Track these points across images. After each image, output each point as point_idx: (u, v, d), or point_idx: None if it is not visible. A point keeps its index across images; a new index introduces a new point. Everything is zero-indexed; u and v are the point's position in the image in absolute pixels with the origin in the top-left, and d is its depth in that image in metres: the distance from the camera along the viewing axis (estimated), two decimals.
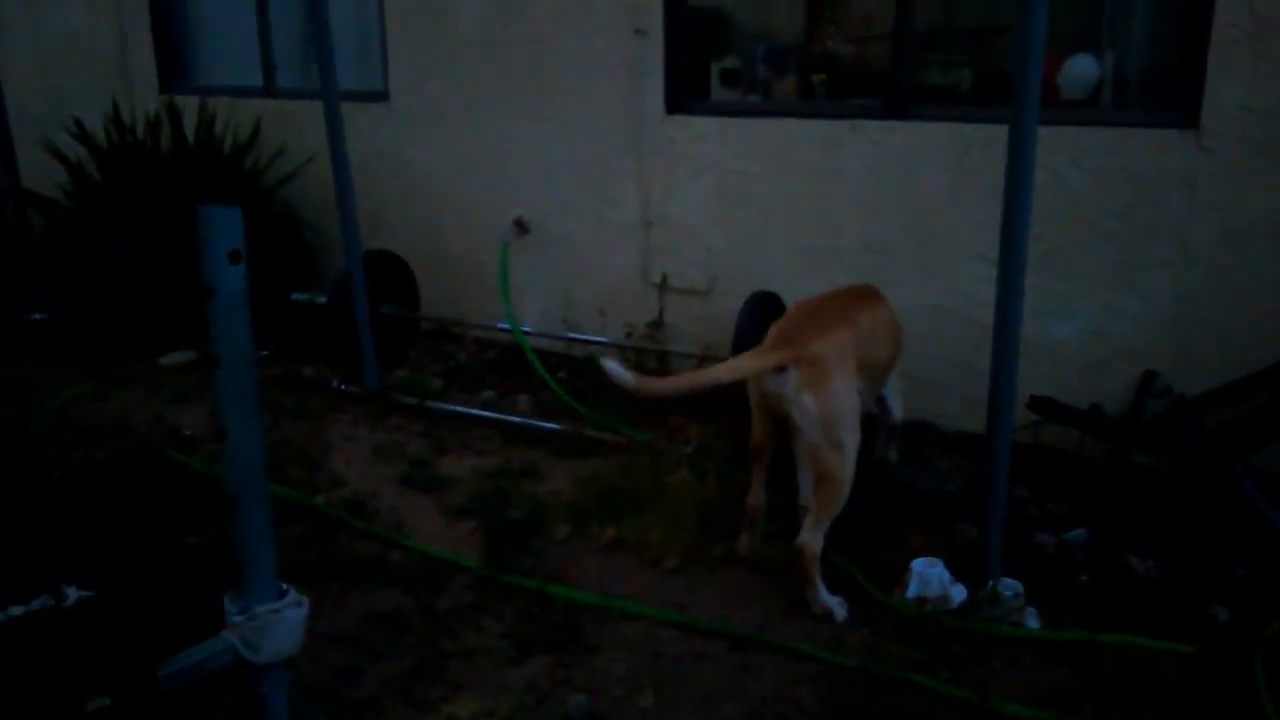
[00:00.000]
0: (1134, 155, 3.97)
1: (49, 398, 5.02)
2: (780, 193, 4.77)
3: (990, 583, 3.14)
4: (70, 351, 5.65)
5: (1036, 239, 3.13)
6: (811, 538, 3.17)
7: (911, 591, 3.19)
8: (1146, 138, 3.95)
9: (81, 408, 4.98)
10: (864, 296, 3.70)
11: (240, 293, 2.10)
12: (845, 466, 3.17)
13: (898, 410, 3.97)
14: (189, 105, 6.18)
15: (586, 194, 5.37)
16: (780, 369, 3.16)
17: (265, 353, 5.67)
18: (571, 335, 5.40)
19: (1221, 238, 3.87)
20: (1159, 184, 3.94)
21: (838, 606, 3.19)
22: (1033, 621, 3.10)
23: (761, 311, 4.42)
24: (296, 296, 5.89)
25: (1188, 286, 3.95)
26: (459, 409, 4.87)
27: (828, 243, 4.65)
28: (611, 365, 3.13)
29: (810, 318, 3.40)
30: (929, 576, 3.19)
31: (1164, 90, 4.13)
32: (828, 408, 3.14)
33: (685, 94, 5.06)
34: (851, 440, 3.19)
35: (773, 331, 3.38)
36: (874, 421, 3.89)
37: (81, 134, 5.97)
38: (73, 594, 2.50)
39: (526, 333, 5.35)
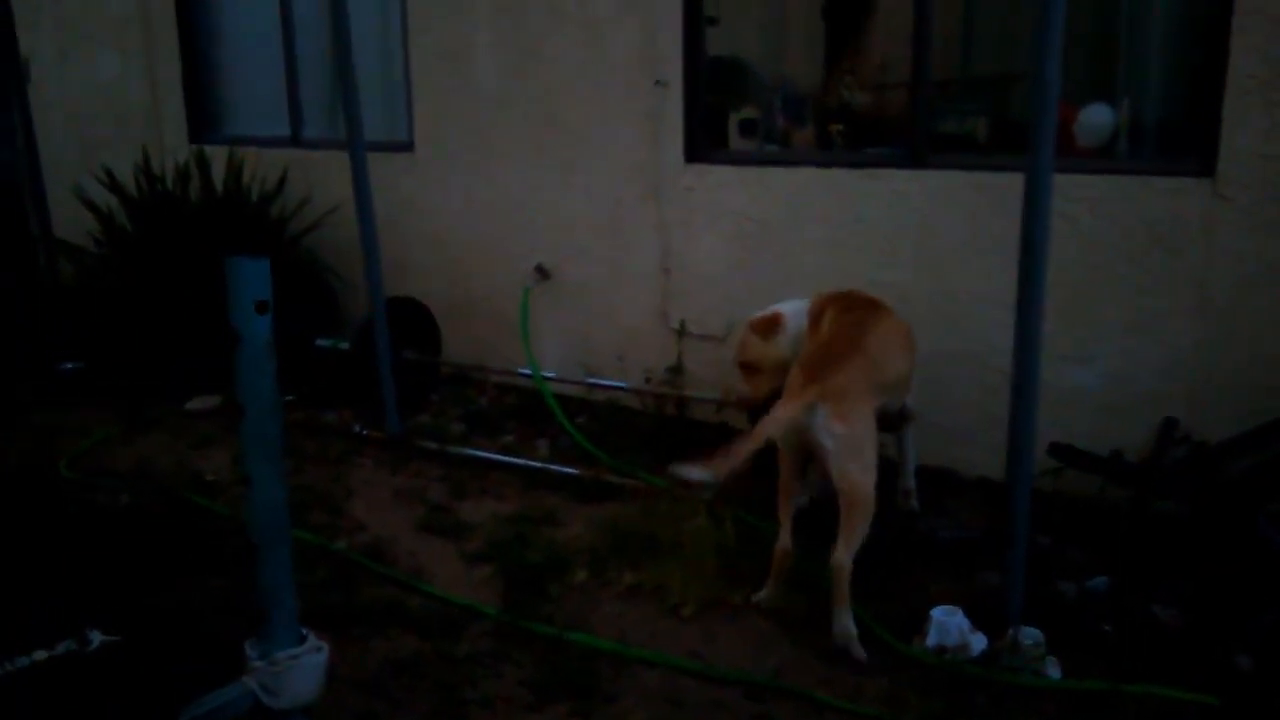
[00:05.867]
0: (1151, 203, 3.99)
1: (76, 442, 5.09)
2: (798, 240, 4.81)
3: (1011, 631, 3.12)
4: (97, 396, 5.73)
5: (1055, 286, 3.14)
6: (846, 556, 3.23)
7: (931, 640, 3.18)
8: (1163, 185, 3.97)
9: (108, 452, 5.04)
10: (867, 316, 3.82)
11: (267, 342, 2.15)
12: (871, 484, 3.33)
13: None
14: (218, 155, 6.31)
15: (606, 241, 5.43)
16: (811, 407, 3.32)
17: (290, 398, 5.73)
18: (591, 380, 5.43)
19: (1240, 285, 3.87)
20: (1176, 231, 3.95)
21: (857, 641, 3.20)
22: (1054, 671, 3.07)
23: None
24: (320, 343, 5.96)
25: (1206, 333, 3.95)
26: (479, 454, 4.90)
27: (845, 287, 4.67)
28: (684, 470, 3.25)
29: (826, 351, 3.62)
30: (949, 625, 3.17)
31: (1181, 138, 4.15)
32: (855, 432, 3.32)
33: (704, 143, 5.12)
34: (874, 458, 3.38)
35: (795, 373, 3.51)
36: (891, 469, 3.89)
37: (112, 183, 6.10)
38: (96, 638, 2.54)
39: (547, 378, 5.39)
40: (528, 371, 5.45)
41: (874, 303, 3.95)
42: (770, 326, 3.96)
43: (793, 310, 4.09)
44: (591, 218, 5.46)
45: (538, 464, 4.78)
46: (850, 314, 3.83)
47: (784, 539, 3.50)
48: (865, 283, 4.60)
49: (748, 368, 3.99)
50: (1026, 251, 2.98)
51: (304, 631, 2.28)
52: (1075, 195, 4.02)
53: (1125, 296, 4.08)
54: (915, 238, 4.49)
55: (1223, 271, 3.89)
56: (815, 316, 3.97)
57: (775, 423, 3.34)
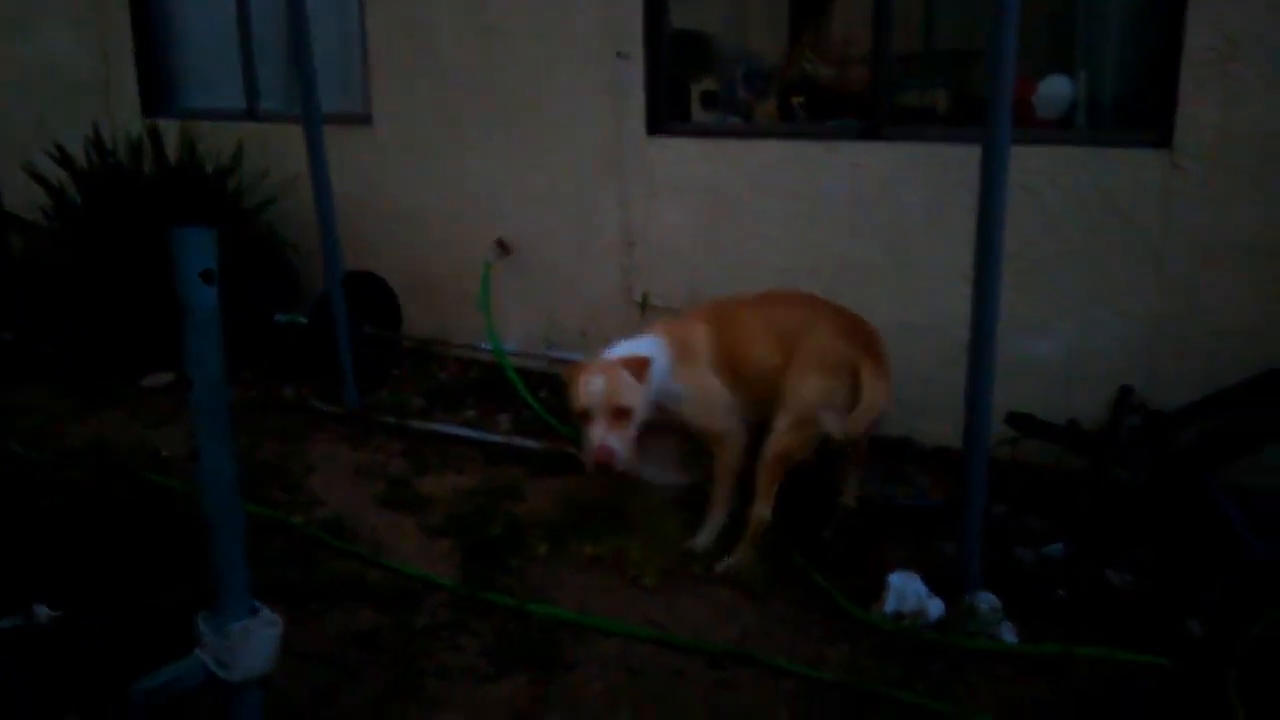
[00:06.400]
0: (1108, 174, 4.01)
1: (27, 419, 5.00)
2: (760, 213, 4.80)
3: (967, 597, 3.15)
4: (50, 373, 5.64)
5: (1012, 257, 3.16)
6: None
7: (889, 607, 3.20)
8: (1120, 157, 4.00)
9: (61, 429, 4.96)
10: (822, 303, 3.89)
11: (213, 313, 2.11)
12: None
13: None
14: (171, 129, 6.19)
15: (568, 214, 5.40)
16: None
17: (247, 373, 5.67)
18: (553, 354, 5.41)
19: (1196, 256, 3.91)
20: (1133, 203, 3.98)
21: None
22: (1010, 635, 3.11)
23: None
24: (279, 318, 5.89)
25: (1163, 304, 3.99)
26: (440, 428, 4.87)
27: (808, 262, 4.68)
28: (829, 419, 3.45)
29: (859, 332, 3.72)
30: (906, 591, 3.19)
31: (1138, 110, 4.18)
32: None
33: (666, 116, 5.09)
34: None
35: (858, 355, 3.58)
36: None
37: (63, 157, 5.97)
38: (44, 613, 2.50)
39: (508, 352, 5.37)
40: (489, 346, 5.42)
41: (798, 294, 4.02)
42: (643, 368, 3.47)
43: (647, 352, 3.61)
44: (553, 191, 5.42)
45: (499, 438, 4.76)
46: (801, 308, 3.83)
47: (764, 510, 3.56)
48: (827, 254, 4.63)
49: (619, 412, 3.39)
50: (984, 222, 2.99)
51: (257, 605, 2.26)
52: (1033, 167, 4.04)
53: (1083, 267, 4.11)
54: (876, 210, 4.50)
55: (1179, 242, 3.93)
56: (717, 328, 3.74)
57: (885, 391, 3.55)
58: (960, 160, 4.17)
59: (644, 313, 5.20)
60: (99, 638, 2.59)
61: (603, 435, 3.35)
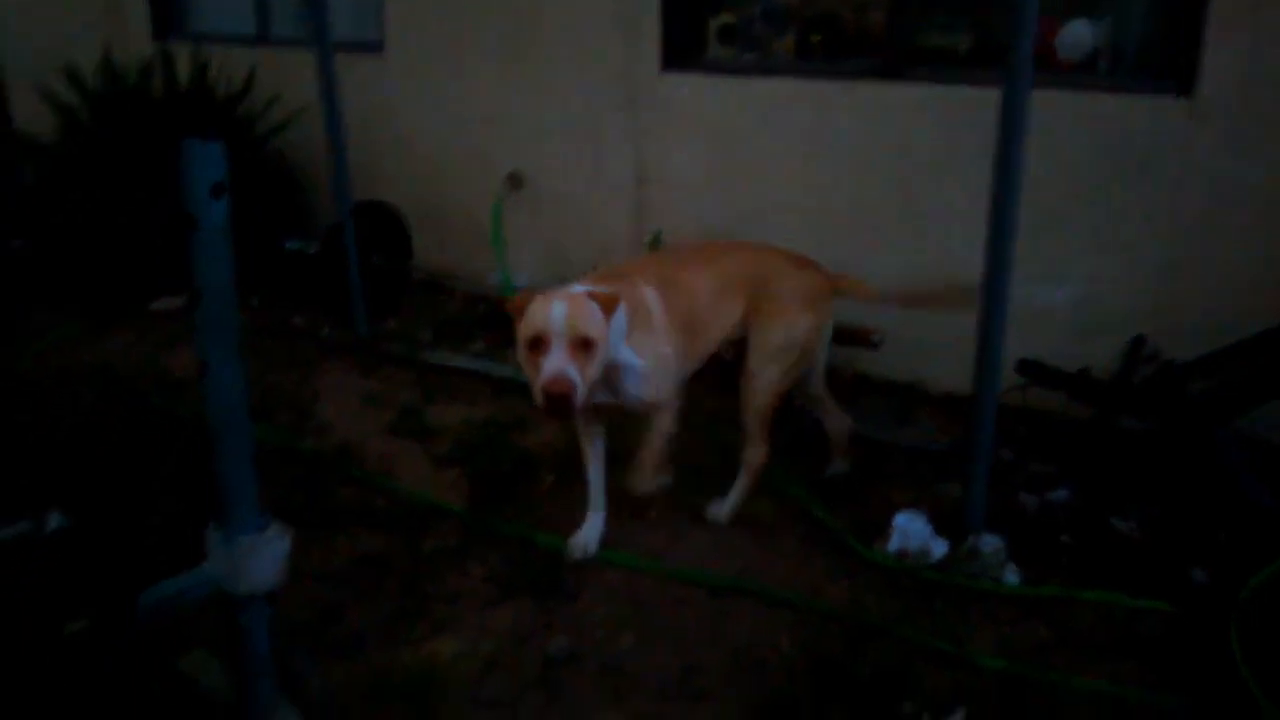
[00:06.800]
0: (1129, 121, 3.96)
1: (37, 341, 5.02)
2: (774, 152, 4.75)
3: (971, 538, 3.17)
4: (60, 296, 5.64)
5: (1027, 203, 3.11)
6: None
7: (893, 545, 3.22)
8: (1142, 104, 3.94)
9: (70, 351, 4.97)
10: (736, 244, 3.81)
11: (222, 227, 2.09)
12: None
13: None
14: (182, 52, 6.12)
15: (581, 150, 5.35)
16: None
17: (254, 301, 5.67)
18: None
19: (1214, 206, 3.87)
20: (1152, 151, 3.93)
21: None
22: (1012, 577, 3.12)
23: None
24: (289, 245, 5.87)
25: (1178, 253, 3.96)
26: (448, 360, 4.87)
27: (820, 203, 4.64)
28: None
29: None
30: (911, 530, 3.21)
31: (1161, 57, 4.10)
32: None
33: (681, 51, 5.02)
34: None
35: (813, 276, 3.51)
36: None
37: (73, 79, 5.92)
38: (55, 520, 2.51)
39: (518, 287, 5.35)
40: (499, 280, 5.40)
41: (729, 243, 3.86)
42: (612, 306, 2.91)
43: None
44: (566, 125, 5.37)
45: (508, 371, 4.76)
46: (749, 253, 3.57)
47: (759, 454, 3.48)
48: (839, 195, 4.58)
49: (583, 343, 2.79)
50: (1000, 168, 2.95)
51: (266, 519, 2.27)
52: (1052, 111, 3.96)
53: (1098, 215, 4.07)
54: (891, 151, 4.45)
55: (1196, 192, 3.88)
56: (662, 293, 3.22)
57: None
58: (979, 103, 4.08)
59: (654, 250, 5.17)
60: (108, 547, 2.61)
61: (561, 361, 2.74)
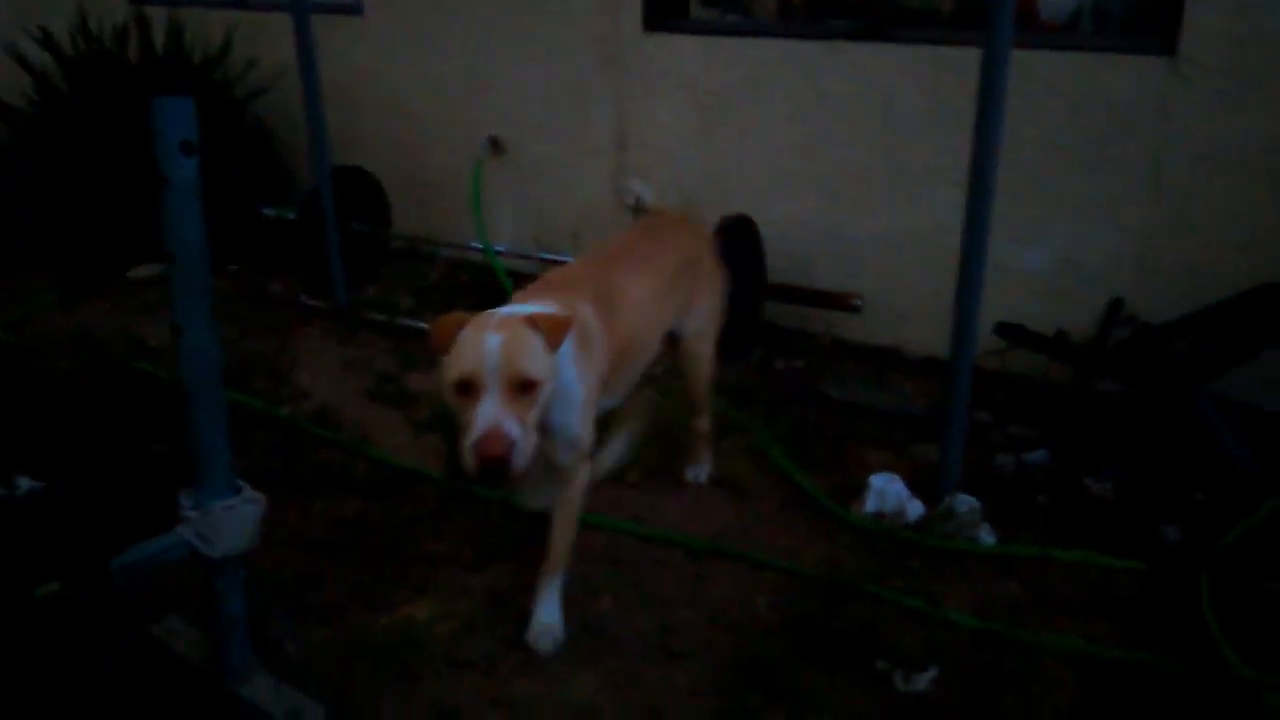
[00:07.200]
0: (1110, 81, 3.94)
1: (12, 308, 4.97)
2: (758, 115, 4.72)
3: (947, 499, 3.18)
4: (36, 263, 5.59)
5: (1008, 165, 3.10)
6: None
7: (869, 507, 3.23)
8: (1124, 64, 3.92)
9: (47, 319, 4.93)
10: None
11: (193, 185, 2.07)
12: None
13: None
14: (158, 15, 6.04)
15: (561, 113, 5.31)
16: None
17: (234, 267, 5.63)
18: (544, 256, 5.36)
19: (1194, 167, 3.86)
20: (1135, 112, 3.92)
21: None
22: (988, 537, 3.14)
23: (733, 236, 4.41)
24: (267, 211, 5.82)
25: (1158, 216, 3.95)
26: (428, 327, 4.85)
27: (804, 166, 4.62)
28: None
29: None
30: (887, 491, 3.22)
31: (1144, 16, 4.09)
32: None
33: (664, 11, 4.97)
34: None
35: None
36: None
37: (47, 41, 5.83)
38: (25, 484, 2.50)
39: (498, 253, 5.32)
40: (480, 246, 5.37)
41: (650, 223, 3.48)
42: (560, 332, 2.36)
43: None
44: (548, 87, 5.32)
45: None
46: (669, 232, 3.32)
47: (708, 421, 3.46)
48: (823, 158, 4.57)
49: (523, 386, 2.24)
50: (981, 129, 2.94)
51: (239, 483, 2.26)
52: (1034, 72, 3.96)
53: (1079, 177, 4.06)
54: (875, 113, 4.43)
55: (1178, 153, 3.88)
56: (600, 308, 2.70)
57: None
58: (962, 64, 4.07)
59: (636, 216, 5.13)
60: (81, 511, 2.60)
61: (497, 414, 2.18)
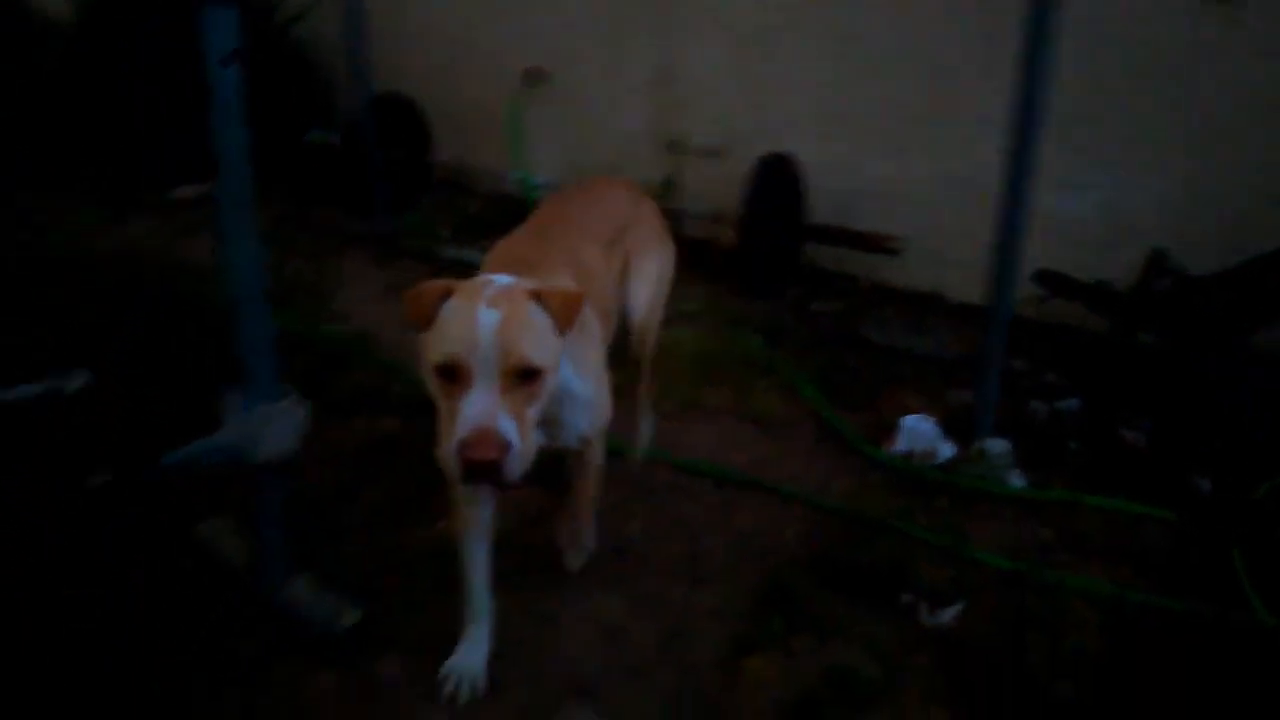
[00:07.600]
0: (1162, 24, 3.85)
1: (59, 228, 5.04)
2: (799, 53, 4.67)
3: (978, 441, 3.19)
4: (81, 183, 5.65)
5: (1052, 109, 3.06)
6: None
7: (900, 446, 3.25)
8: (1177, 7, 3.83)
9: (91, 238, 5.00)
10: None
11: (238, 93, 2.10)
12: None
13: None
14: None
15: (602, 46, 5.27)
16: None
17: (275, 194, 5.66)
18: None
19: (1245, 115, 3.78)
20: (1186, 58, 3.83)
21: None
22: (1018, 481, 3.15)
23: (772, 174, 4.39)
24: (310, 137, 5.84)
25: (1206, 164, 3.89)
26: (467, 256, 4.88)
27: (846, 106, 4.57)
28: None
29: None
30: (919, 431, 3.23)
31: None
32: None
33: None
34: None
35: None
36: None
37: None
38: (80, 378, 2.55)
39: (537, 185, 5.32)
40: (519, 178, 5.37)
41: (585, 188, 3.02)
42: (573, 309, 1.99)
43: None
44: (589, 19, 5.28)
45: None
46: (606, 192, 2.94)
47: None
48: (862, 97, 4.51)
49: (524, 375, 1.85)
50: (1028, 69, 2.90)
51: (286, 388, 2.31)
52: (1083, 14, 3.85)
53: (1126, 123, 3.99)
54: (917, 52, 4.36)
55: (1229, 101, 3.80)
56: (579, 279, 2.39)
57: None
58: (1008, 3, 4.00)
59: (676, 152, 5.12)
60: (131, 409, 2.64)
61: (489, 410, 1.79)
